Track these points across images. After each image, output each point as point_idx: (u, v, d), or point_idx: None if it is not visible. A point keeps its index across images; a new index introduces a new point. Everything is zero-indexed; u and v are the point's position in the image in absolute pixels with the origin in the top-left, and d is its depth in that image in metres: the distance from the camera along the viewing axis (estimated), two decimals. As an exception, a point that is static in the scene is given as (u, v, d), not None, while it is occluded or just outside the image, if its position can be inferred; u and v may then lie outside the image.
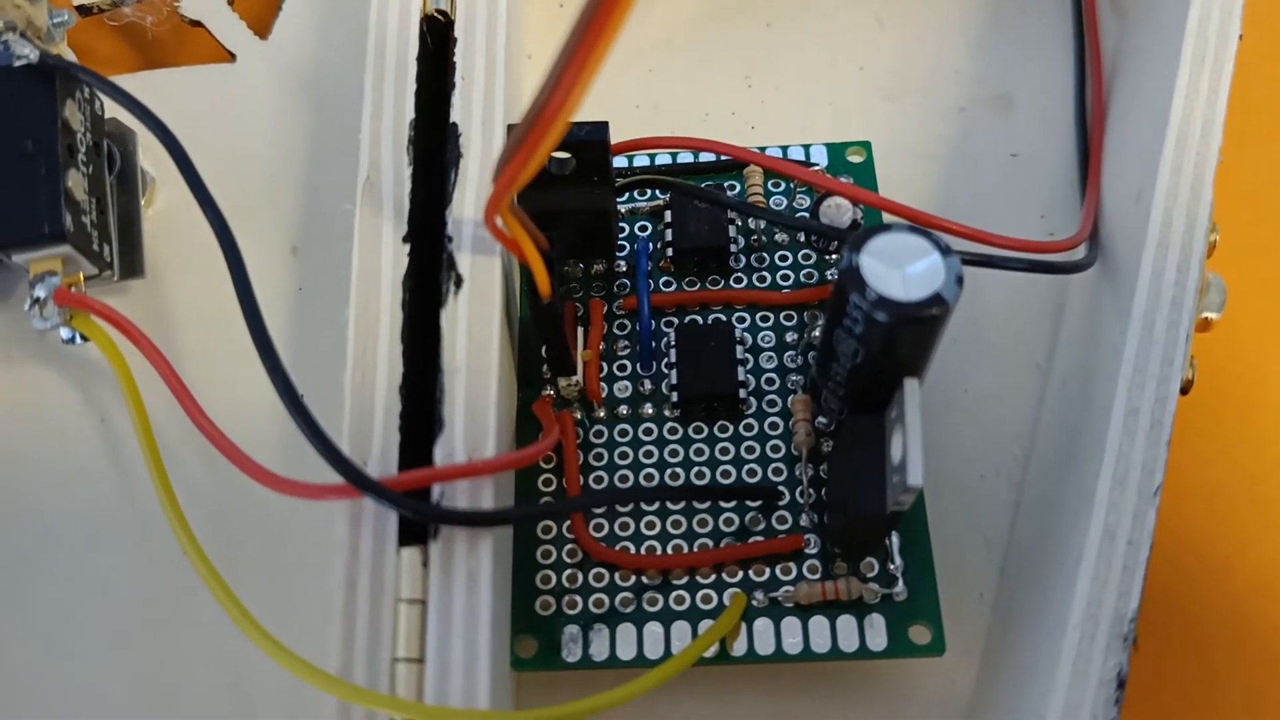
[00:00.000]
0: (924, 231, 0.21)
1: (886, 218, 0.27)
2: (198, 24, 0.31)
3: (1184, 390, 0.23)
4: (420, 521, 0.21)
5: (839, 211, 0.26)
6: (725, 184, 0.28)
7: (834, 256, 0.27)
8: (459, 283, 0.23)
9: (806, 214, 0.28)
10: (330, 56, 0.31)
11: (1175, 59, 0.25)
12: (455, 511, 0.21)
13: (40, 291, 0.24)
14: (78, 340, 0.24)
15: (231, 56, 0.31)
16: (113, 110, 0.27)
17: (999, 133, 0.31)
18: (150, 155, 0.28)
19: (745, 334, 0.27)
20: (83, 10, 0.31)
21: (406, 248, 0.23)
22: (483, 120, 0.24)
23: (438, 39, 0.26)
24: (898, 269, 0.21)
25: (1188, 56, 0.25)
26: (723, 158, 0.28)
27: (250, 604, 0.21)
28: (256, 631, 0.21)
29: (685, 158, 0.29)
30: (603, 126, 0.24)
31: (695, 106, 0.31)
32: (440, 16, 0.26)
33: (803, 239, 0.28)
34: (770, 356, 0.26)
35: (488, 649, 0.20)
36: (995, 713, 0.24)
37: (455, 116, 0.24)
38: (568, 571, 0.24)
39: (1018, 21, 0.32)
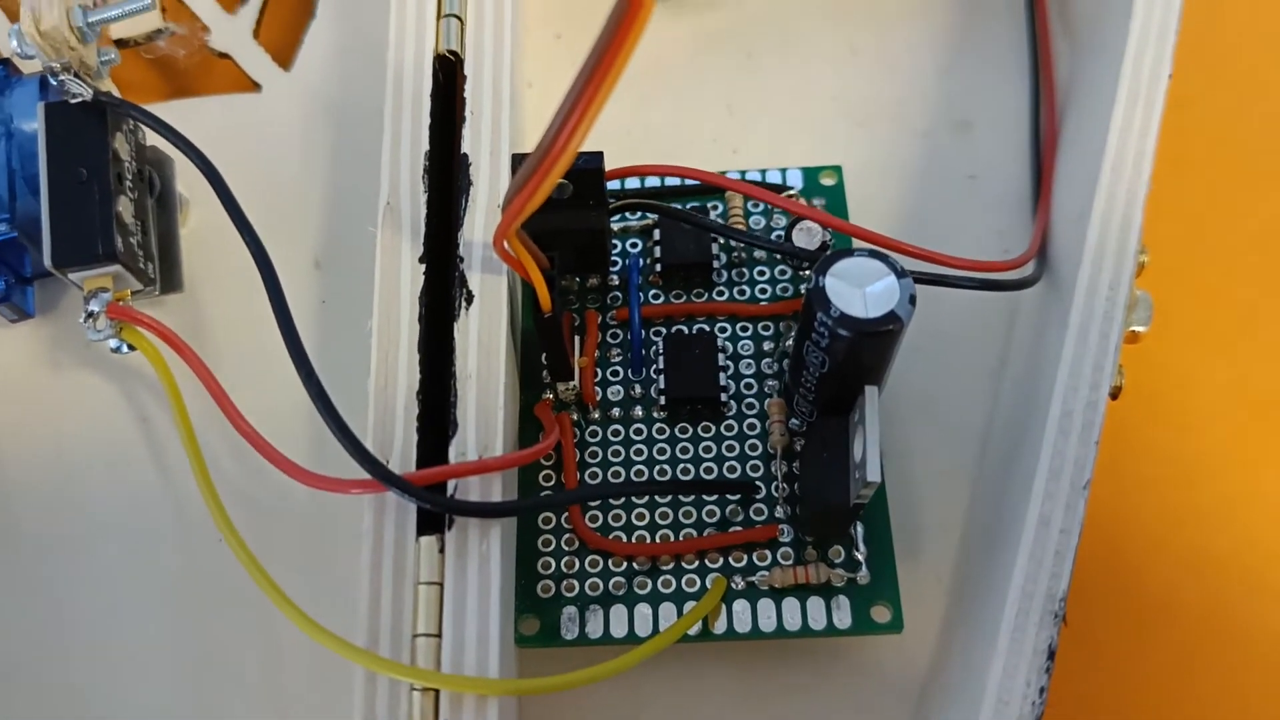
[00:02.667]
0: (883, 255, 0.24)
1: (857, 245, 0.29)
2: (225, 56, 0.34)
3: (1113, 395, 0.26)
4: (438, 512, 0.24)
5: (809, 235, 0.29)
6: (709, 204, 0.31)
7: (807, 273, 0.30)
8: (470, 299, 0.26)
9: (782, 233, 0.30)
10: (348, 85, 0.34)
11: (1112, 94, 0.28)
12: (469, 503, 0.24)
13: (94, 306, 0.26)
14: (124, 350, 0.27)
15: (257, 86, 0.34)
16: (152, 139, 0.29)
17: (960, 155, 0.34)
18: (184, 179, 0.31)
19: (726, 343, 0.29)
20: (120, 44, 0.34)
21: (423, 267, 0.26)
22: (490, 151, 0.27)
23: (448, 76, 0.29)
24: (859, 289, 0.24)
25: (1123, 93, 0.28)
26: (706, 181, 0.31)
27: (283, 584, 0.23)
28: (293, 610, 0.23)
29: (673, 180, 0.31)
30: (598, 156, 0.27)
31: (681, 132, 0.34)
32: (451, 56, 0.28)
33: (779, 257, 0.30)
34: (749, 363, 0.29)
35: (498, 625, 0.23)
36: (947, 681, 0.26)
37: (466, 148, 0.27)
38: (566, 558, 0.27)
39: (979, 49, 0.35)
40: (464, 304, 0.26)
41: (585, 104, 0.19)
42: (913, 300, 0.23)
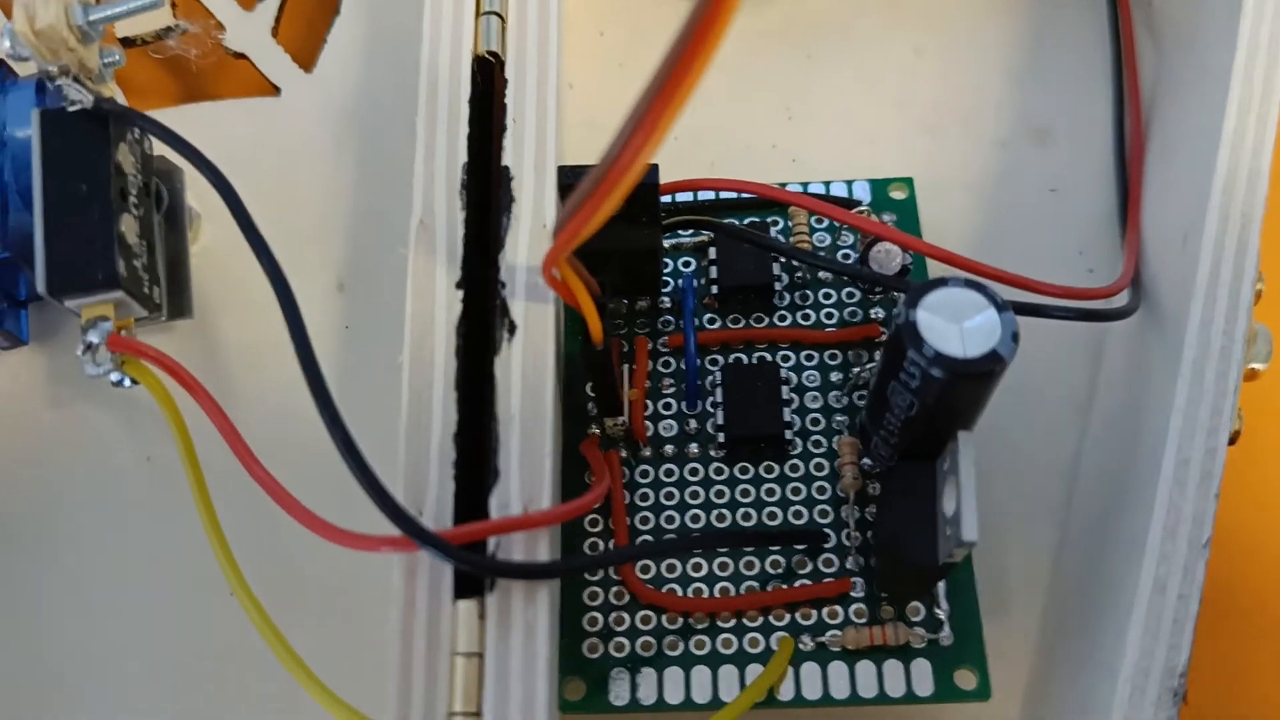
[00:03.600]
0: (979, 285, 0.21)
1: (934, 265, 0.27)
2: (242, 56, 0.31)
3: (1231, 441, 0.23)
4: (477, 574, 0.21)
5: (889, 257, 0.26)
6: (769, 219, 0.28)
7: (878, 296, 0.27)
8: (513, 329, 0.23)
9: (851, 250, 0.28)
10: (376, 89, 0.31)
11: (1220, 104, 0.25)
12: (513, 564, 0.21)
13: (93, 337, 0.24)
14: (127, 384, 0.24)
15: (276, 89, 0.31)
16: (160, 147, 0.27)
17: (1038, 166, 0.31)
18: (194, 191, 0.28)
19: (790, 373, 0.27)
20: (126, 42, 0.31)
21: (460, 293, 0.23)
22: (535, 164, 0.24)
23: (487, 79, 0.26)
24: (955, 324, 0.21)
25: (1234, 104, 0.25)
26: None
27: (302, 650, 0.21)
28: (310, 681, 0.21)
29: (729, 193, 0.29)
30: (653, 169, 0.24)
31: (736, 139, 0.31)
32: (490, 57, 0.26)
33: (845, 279, 0.28)
34: (815, 396, 0.26)
35: (545, 702, 0.21)
36: (1042, 759, 0.24)
37: (507, 160, 0.25)
38: (614, 614, 0.25)
39: (1056, 52, 0.32)
40: (507, 335, 0.23)
41: (658, 115, 0.16)
42: (1015, 337, 0.21)
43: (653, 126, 0.16)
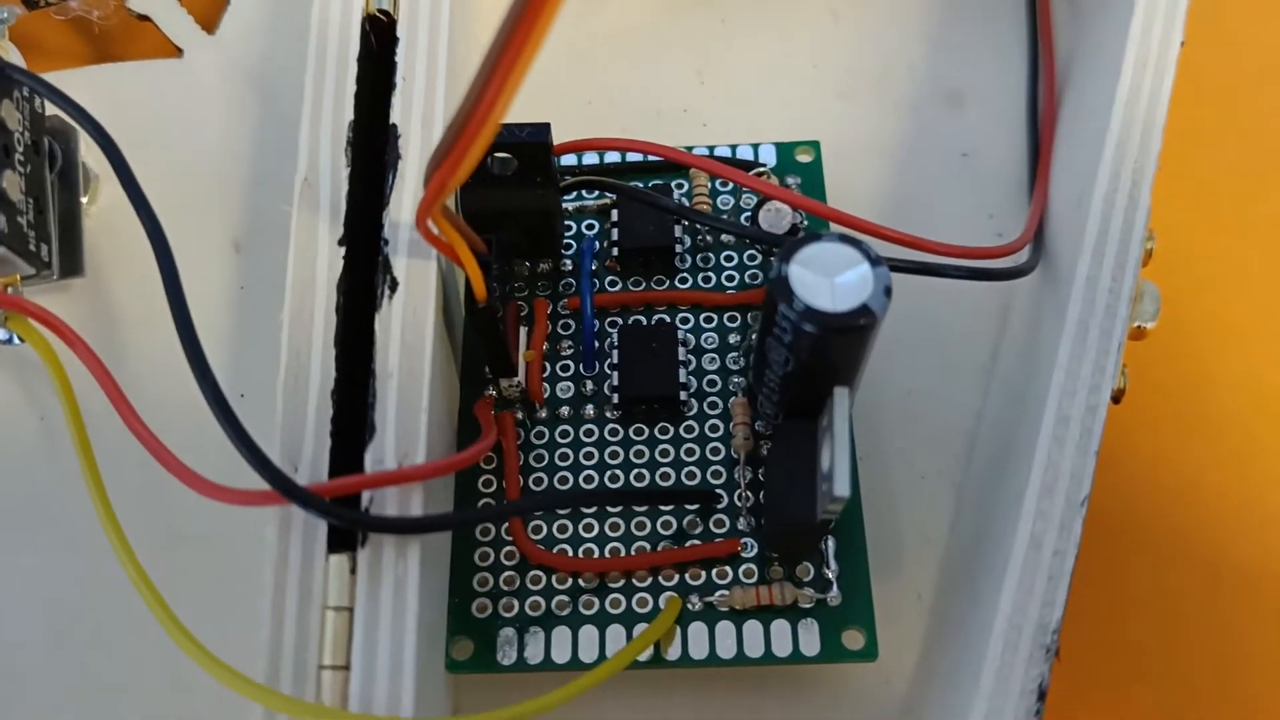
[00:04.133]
0: (855, 241, 0.21)
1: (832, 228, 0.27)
2: (145, 18, 0.31)
3: (1115, 399, 0.23)
4: (349, 529, 0.21)
5: (778, 216, 0.26)
6: (673, 182, 0.28)
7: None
8: (394, 286, 0.23)
9: (750, 214, 0.28)
10: (278, 52, 0.31)
11: (1119, 62, 0.25)
12: (383, 519, 0.21)
13: (-25, 294, 0.24)
14: (15, 341, 0.24)
15: (179, 51, 0.31)
16: (54, 108, 0.27)
17: (950, 131, 0.31)
18: (94, 152, 0.28)
19: (689, 335, 0.27)
20: (29, 3, 0.31)
21: (342, 250, 0.23)
22: (423, 121, 0.24)
23: (380, 38, 0.26)
24: (826, 279, 0.21)
25: (1130, 59, 0.25)
26: (670, 157, 0.28)
27: (185, 608, 0.21)
28: (184, 638, 0.20)
29: (634, 155, 0.29)
30: (544, 128, 0.24)
31: (648, 103, 0.31)
32: (383, 16, 0.25)
33: (747, 242, 0.27)
34: (713, 358, 0.26)
35: (413, 656, 0.20)
36: (927, 716, 0.24)
37: (395, 117, 0.24)
38: (505, 574, 0.24)
39: (972, 17, 0.32)
40: (387, 292, 0.23)
41: (512, 56, 0.16)
42: (888, 292, 0.21)
43: (504, 77, 0.16)
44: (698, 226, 0.28)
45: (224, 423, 0.20)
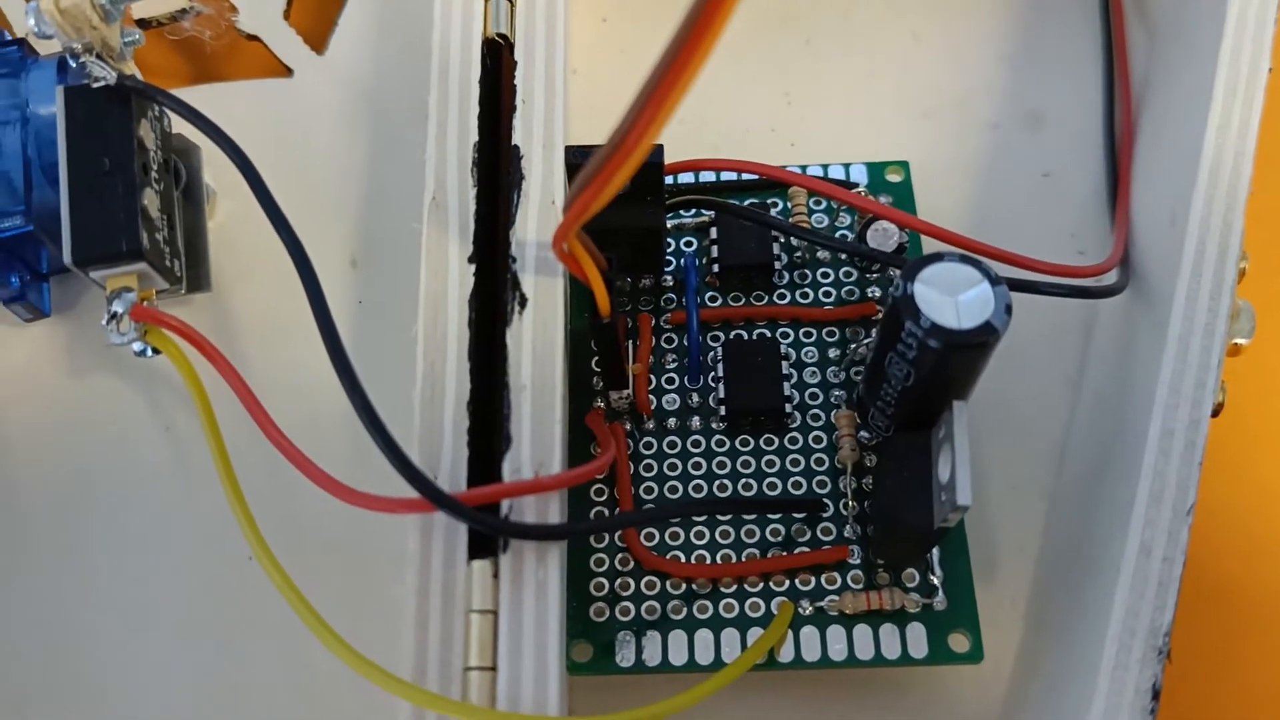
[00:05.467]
0: (974, 260, 0.22)
1: (928, 242, 0.27)
2: (254, 38, 0.32)
3: (1215, 413, 0.24)
4: (490, 535, 0.22)
5: (885, 236, 0.27)
6: (769, 200, 0.29)
7: (875, 275, 0.28)
8: (524, 302, 0.24)
9: (849, 231, 0.29)
10: (386, 71, 0.32)
11: (1207, 88, 0.26)
12: (525, 525, 0.22)
13: (117, 307, 0.24)
14: (149, 354, 0.25)
15: (289, 71, 0.32)
16: (178, 125, 0.27)
17: (1031, 150, 0.32)
18: (211, 168, 0.29)
19: (789, 349, 0.28)
20: (142, 24, 0.32)
21: (472, 268, 0.24)
22: (543, 143, 0.25)
23: (495, 61, 0.27)
24: (950, 297, 0.22)
25: (1220, 88, 0.26)
26: (766, 175, 0.29)
27: (322, 610, 0.22)
28: (331, 637, 0.21)
29: (730, 174, 0.29)
30: (658, 150, 0.25)
31: (736, 122, 0.32)
32: (500, 40, 0.26)
33: (844, 257, 0.28)
34: (814, 372, 0.27)
35: (557, 657, 0.21)
36: (1033, 718, 0.25)
37: (517, 139, 0.25)
38: (620, 579, 0.25)
39: (1050, 37, 0.33)
40: (517, 308, 0.24)
41: (664, 95, 0.17)
42: (1009, 309, 0.22)
43: (658, 108, 0.17)
44: (794, 244, 0.29)
45: (375, 433, 0.21)
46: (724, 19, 0.15)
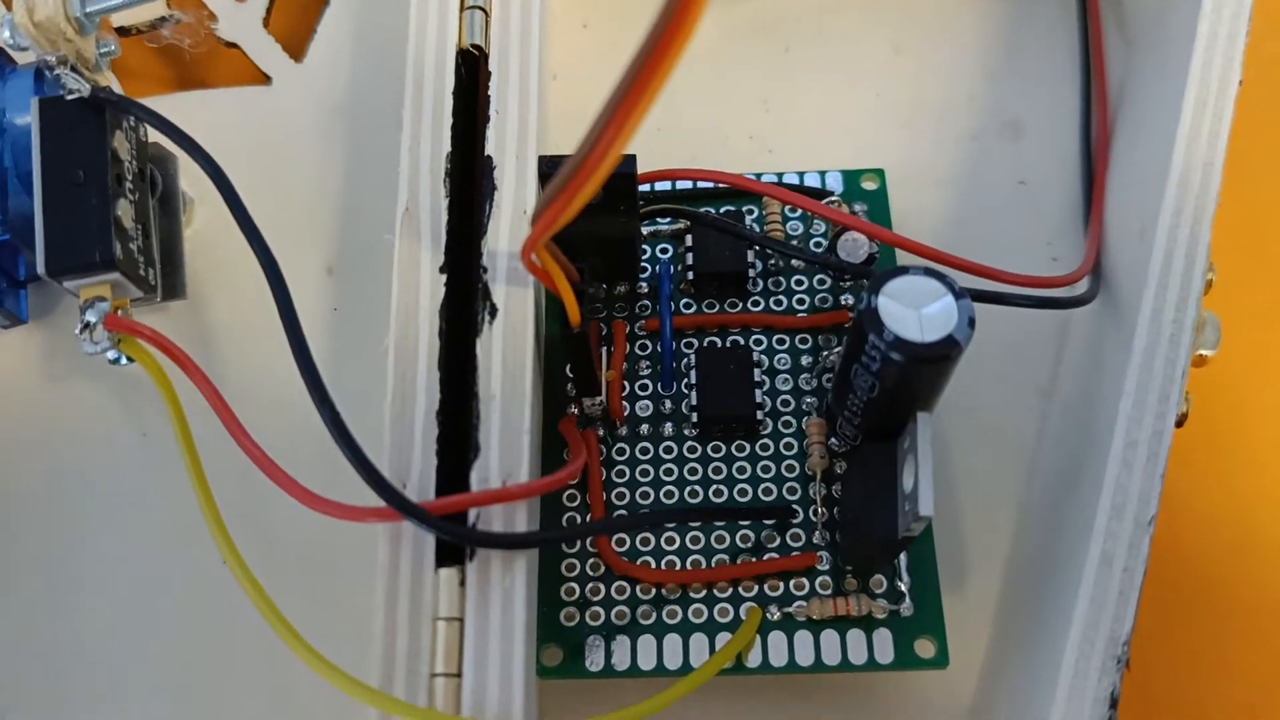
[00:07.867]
0: (939, 274, 0.22)
1: (900, 253, 0.28)
2: (233, 46, 0.32)
3: (1179, 424, 0.24)
4: (457, 544, 0.22)
5: (856, 246, 0.27)
6: (744, 208, 0.29)
7: (848, 283, 0.28)
8: (494, 313, 0.24)
9: (823, 239, 0.29)
10: (364, 79, 0.32)
11: (1178, 101, 0.26)
12: (492, 534, 0.22)
13: (91, 316, 0.25)
14: (123, 362, 0.25)
15: (267, 78, 0.32)
16: (155, 134, 0.28)
17: (1008, 160, 0.32)
18: (188, 176, 0.29)
19: (762, 356, 0.28)
20: (121, 31, 0.32)
21: (443, 278, 0.24)
22: (516, 154, 0.25)
23: (470, 71, 0.27)
24: (914, 310, 0.22)
25: (1190, 101, 0.26)
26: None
27: (291, 617, 0.22)
28: (300, 645, 0.22)
29: (706, 183, 0.30)
30: (630, 160, 0.25)
31: (714, 129, 0.32)
32: (475, 50, 0.26)
33: (818, 266, 0.29)
34: (786, 379, 0.28)
35: (522, 665, 0.22)
36: (995, 723, 0.25)
37: (490, 149, 0.25)
38: (591, 584, 0.26)
39: (1029, 48, 0.33)
40: (487, 318, 0.24)
41: (631, 106, 0.17)
42: (971, 323, 0.22)
43: (625, 118, 0.17)
44: (768, 252, 0.29)
45: (342, 443, 0.21)
46: (690, 28, 0.16)
